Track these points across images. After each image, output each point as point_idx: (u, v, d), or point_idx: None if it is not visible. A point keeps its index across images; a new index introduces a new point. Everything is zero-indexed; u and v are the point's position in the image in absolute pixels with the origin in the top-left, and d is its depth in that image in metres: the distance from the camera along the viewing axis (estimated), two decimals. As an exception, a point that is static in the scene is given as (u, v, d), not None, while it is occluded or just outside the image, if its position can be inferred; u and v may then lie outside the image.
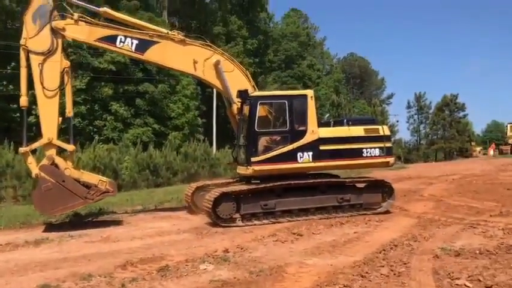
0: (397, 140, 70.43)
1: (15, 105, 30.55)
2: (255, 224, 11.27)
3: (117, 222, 12.43)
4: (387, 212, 12.47)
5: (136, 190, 21.91)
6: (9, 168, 18.56)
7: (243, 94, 12.12)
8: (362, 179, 13.09)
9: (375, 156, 12.31)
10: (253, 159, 11.45)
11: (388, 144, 12.63)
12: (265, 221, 11.41)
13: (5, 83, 30.34)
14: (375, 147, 12.29)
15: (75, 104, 32.63)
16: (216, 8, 54.48)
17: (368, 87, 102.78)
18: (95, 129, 34.17)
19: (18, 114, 30.98)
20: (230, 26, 53.48)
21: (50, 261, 8.30)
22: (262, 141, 11.75)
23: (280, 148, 11.61)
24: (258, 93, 12.57)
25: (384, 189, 12.65)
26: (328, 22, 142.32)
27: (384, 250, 8.32)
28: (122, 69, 35.72)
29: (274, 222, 11.38)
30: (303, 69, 65.33)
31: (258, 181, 11.85)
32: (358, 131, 12.34)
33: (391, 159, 12.68)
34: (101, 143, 29.10)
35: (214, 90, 46.25)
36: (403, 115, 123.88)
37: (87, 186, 11.57)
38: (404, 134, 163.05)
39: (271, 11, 64.54)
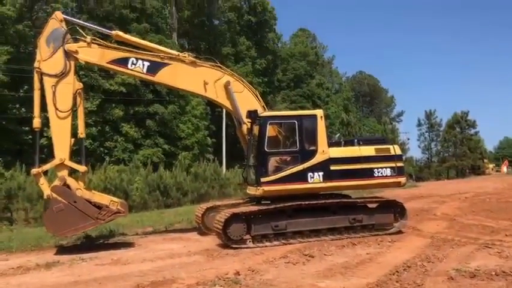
0: (408, 158, 70.07)
1: (27, 128, 30.94)
2: (265, 246, 11.16)
3: (128, 244, 12.40)
4: (399, 232, 12.31)
5: (147, 211, 21.90)
6: (20, 191, 18.69)
7: (252, 114, 12.12)
8: (374, 199, 12.96)
9: (386, 176, 12.19)
10: (263, 179, 11.40)
11: (400, 164, 12.49)
12: (276, 242, 11.31)
13: (17, 106, 30.75)
14: (386, 167, 12.18)
15: (86, 125, 32.97)
16: (225, 30, 55.08)
17: (378, 105, 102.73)
18: (106, 151, 34.40)
19: (30, 137, 31.29)
20: (239, 47, 53.99)
21: (61, 285, 8.28)
22: (272, 162, 11.70)
23: (290, 168, 11.54)
24: (267, 113, 12.55)
25: (396, 209, 12.51)
26: (336, 41, 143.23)
27: (397, 271, 8.19)
28: (132, 91, 36.10)
29: (285, 244, 11.27)
30: (312, 88, 65.49)
31: (269, 202, 11.79)
32: (369, 150, 12.25)
33: (402, 179, 12.54)
34: (111, 164, 29.27)
35: (224, 110, 46.55)
36: (413, 133, 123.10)
37: (99, 206, 11.53)
38: (415, 152, 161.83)
39: (279, 31, 65.09)
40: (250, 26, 57.99)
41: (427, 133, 77.57)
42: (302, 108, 62.56)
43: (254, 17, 57.30)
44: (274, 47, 62.21)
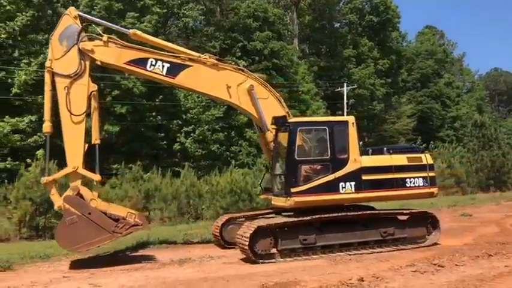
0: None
1: (162, 134, 33.65)
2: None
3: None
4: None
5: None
6: (157, 192, 20.26)
7: (280, 120, 11.39)
8: (404, 211, 11.87)
9: (418, 186, 11.44)
10: (293, 189, 10.62)
11: (432, 174, 11.71)
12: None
13: (154, 113, 33.53)
14: (418, 177, 11.41)
15: (214, 131, 34.92)
16: (346, 32, 54.46)
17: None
18: (232, 155, 35.95)
19: (165, 142, 33.95)
20: (360, 48, 52.94)
21: (192, 281, 8.85)
22: (302, 171, 10.96)
23: (321, 178, 10.81)
24: (296, 119, 11.75)
25: (428, 221, 11.78)
26: (467, 37, 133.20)
27: (543, 288, 7.38)
28: (255, 97, 37.35)
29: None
30: (440, 88, 61.74)
31: (291, 213, 11.17)
32: (401, 159, 11.49)
33: (435, 190, 11.75)
34: (236, 167, 30.50)
35: (345, 114, 45.98)
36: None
37: (115, 219, 10.66)
38: None
39: (403, 30, 62.58)
40: (372, 26, 56.55)
41: None
42: (430, 109, 59.35)
43: (376, 17, 55.79)
44: (398, 46, 59.94)
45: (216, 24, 40.56)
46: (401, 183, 11.36)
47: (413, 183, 11.45)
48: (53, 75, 10.67)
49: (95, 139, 11.23)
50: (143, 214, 12.01)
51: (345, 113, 46.11)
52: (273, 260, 10.43)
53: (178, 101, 34.55)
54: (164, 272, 9.90)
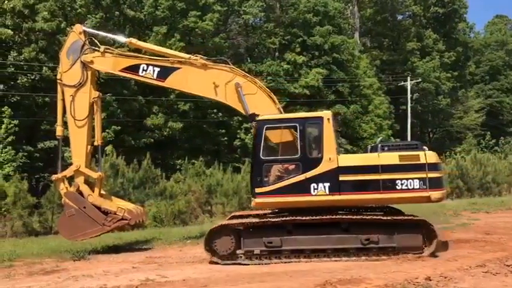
0: None
1: (223, 130, 34.24)
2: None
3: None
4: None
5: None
6: (218, 187, 20.69)
7: (251, 117, 10.93)
8: (396, 218, 10.29)
9: (412, 189, 9.86)
10: (257, 190, 10.13)
11: (433, 175, 9.98)
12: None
13: (215, 110, 34.16)
14: (413, 178, 9.88)
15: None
16: (409, 24, 52.85)
17: None
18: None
19: (225, 138, 34.53)
20: (425, 41, 51.17)
21: (256, 275, 8.96)
22: (270, 171, 10.39)
23: (289, 178, 10.11)
24: (264, 116, 10.94)
25: (423, 229, 10.03)
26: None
27: None
28: (315, 92, 37.10)
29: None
30: (512, 81, 58.57)
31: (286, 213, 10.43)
32: (390, 158, 10.07)
33: (434, 193, 9.96)
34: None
35: (409, 109, 44.65)
36: None
37: (106, 213, 11.74)
38: None
39: (471, 20, 59.84)
40: (437, 18, 54.55)
41: None
42: (500, 103, 56.47)
43: (442, 8, 53.71)
44: (466, 38, 57.41)
45: (275, 20, 40.62)
46: (389, 185, 9.97)
47: (406, 185, 9.97)
48: (63, 86, 12.09)
49: (97, 140, 12.43)
50: (134, 209, 12.29)
51: (409, 108, 44.84)
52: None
53: (238, 97, 35.15)
54: (228, 265, 10.10)
